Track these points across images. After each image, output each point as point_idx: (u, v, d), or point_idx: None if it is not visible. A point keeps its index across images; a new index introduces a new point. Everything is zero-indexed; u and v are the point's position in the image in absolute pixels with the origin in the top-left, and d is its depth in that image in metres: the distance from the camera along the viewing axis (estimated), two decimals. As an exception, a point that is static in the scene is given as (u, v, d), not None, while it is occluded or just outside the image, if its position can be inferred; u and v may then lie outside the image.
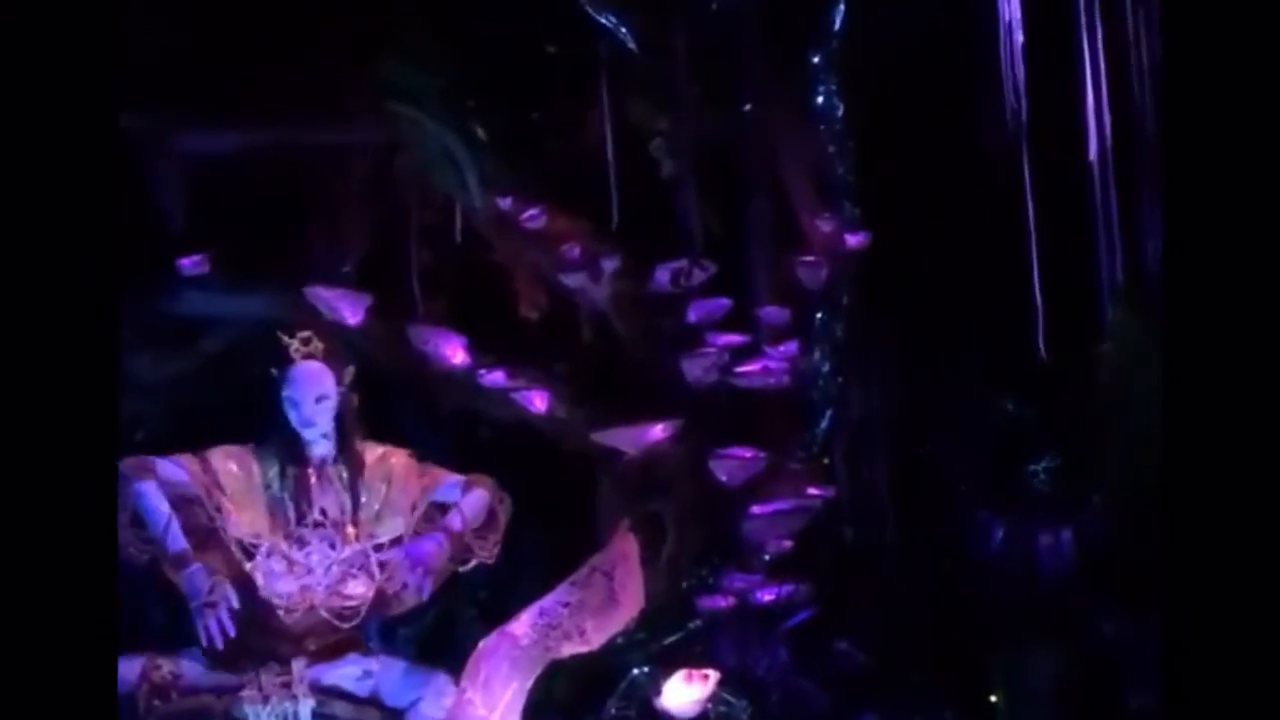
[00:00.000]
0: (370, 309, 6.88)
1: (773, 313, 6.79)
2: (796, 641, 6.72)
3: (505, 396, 6.83)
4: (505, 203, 6.85)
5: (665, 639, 6.30)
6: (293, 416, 5.69)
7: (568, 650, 6.06)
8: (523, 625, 6.06)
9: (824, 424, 6.79)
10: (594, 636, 6.10)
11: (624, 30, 6.75)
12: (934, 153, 7.03)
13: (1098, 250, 6.49)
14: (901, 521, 7.35)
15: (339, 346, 5.96)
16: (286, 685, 5.62)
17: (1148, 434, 6.73)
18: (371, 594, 5.69)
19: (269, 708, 5.60)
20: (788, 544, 6.60)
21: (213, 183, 6.95)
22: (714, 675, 6.12)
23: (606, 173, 6.74)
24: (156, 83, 6.51)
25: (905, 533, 7.34)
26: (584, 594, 6.13)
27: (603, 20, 6.75)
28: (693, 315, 6.75)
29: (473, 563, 5.81)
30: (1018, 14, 6.34)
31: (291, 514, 5.70)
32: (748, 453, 6.60)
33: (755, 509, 6.56)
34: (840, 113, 6.81)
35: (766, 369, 6.71)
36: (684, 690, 6.13)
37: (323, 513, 5.70)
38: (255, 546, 5.64)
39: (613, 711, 6.13)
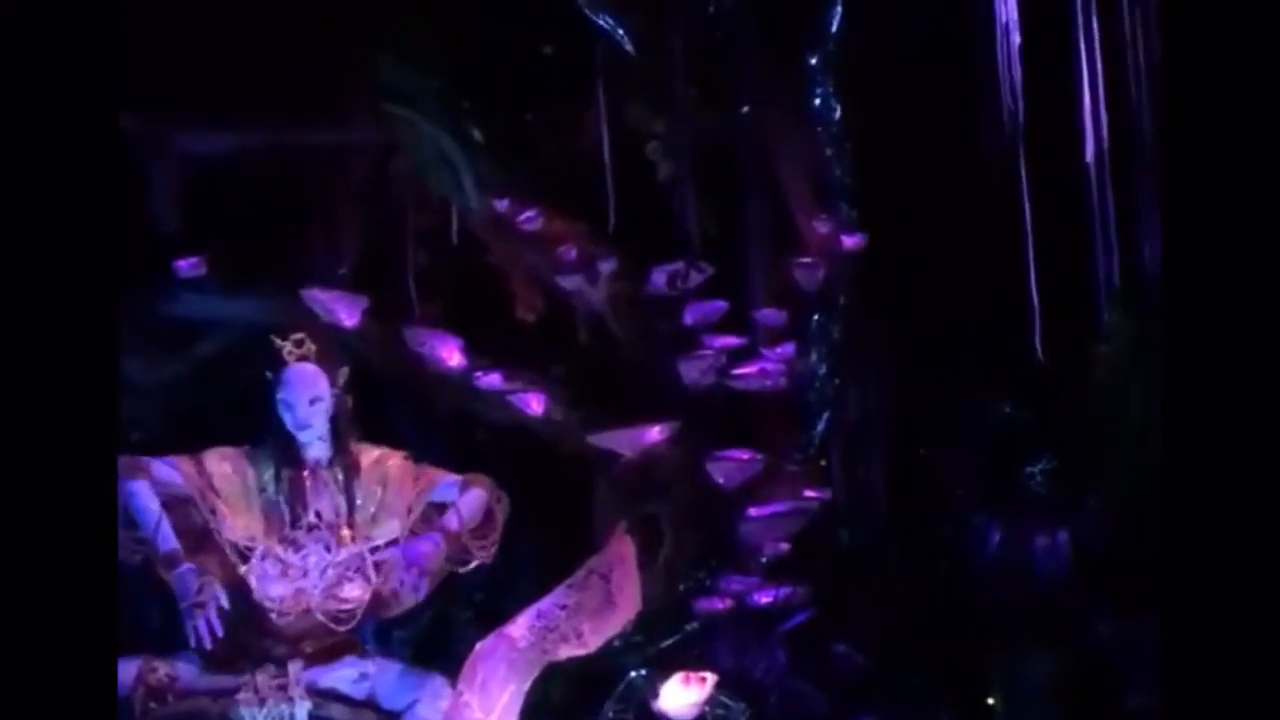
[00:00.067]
0: (367, 311, 6.87)
1: (769, 314, 6.79)
2: (794, 644, 6.72)
3: (502, 398, 6.82)
4: (502, 204, 6.84)
5: (663, 641, 6.30)
6: (287, 419, 5.68)
7: (565, 653, 6.06)
8: (520, 628, 6.06)
9: (821, 426, 6.79)
10: (591, 639, 6.10)
11: (621, 32, 6.74)
12: (931, 154, 7.03)
13: (1095, 252, 6.49)
14: (898, 523, 7.35)
15: (333, 348, 5.95)
16: (283, 688, 5.62)
17: (1144, 435, 6.77)
18: (367, 597, 5.69)
19: (265, 710, 5.60)
20: (785, 546, 6.60)
21: (209, 184, 6.94)
22: (712, 678, 6.11)
23: (603, 174, 6.74)
24: (153, 84, 6.50)
25: (902, 535, 7.34)
26: (581, 596, 6.13)
27: (600, 22, 6.75)
28: (689, 317, 6.75)
29: (473, 564, 5.81)
30: (1015, 15, 6.34)
31: (286, 517, 5.69)
32: (745, 455, 6.60)
33: (752, 511, 6.56)
34: (837, 114, 6.80)
35: (763, 371, 6.70)
36: (682, 693, 6.12)
37: (318, 515, 5.70)
38: (250, 550, 5.63)
39: (610, 714, 6.12)
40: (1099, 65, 6.35)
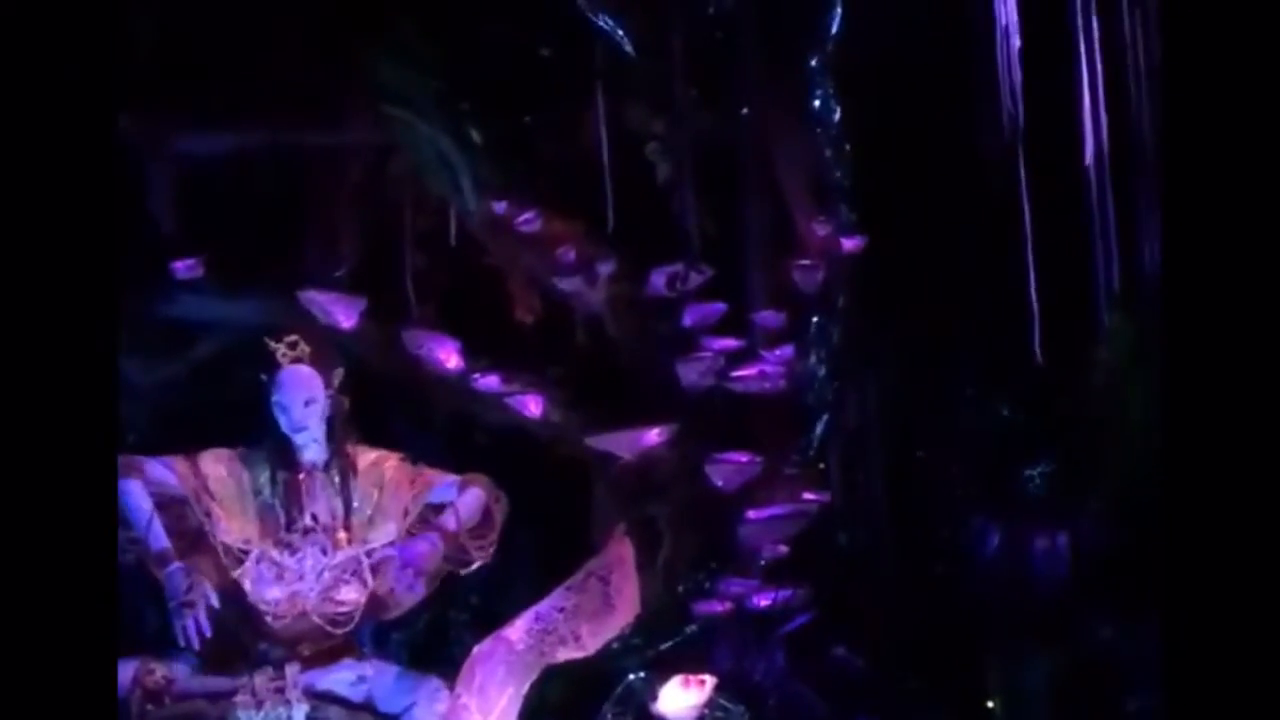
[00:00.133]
0: (364, 313, 6.86)
1: (768, 317, 6.78)
2: (793, 646, 6.71)
3: (500, 400, 6.81)
4: (500, 206, 6.82)
5: (661, 644, 6.27)
6: (283, 421, 5.69)
7: (563, 655, 6.07)
8: (518, 630, 6.07)
9: (820, 428, 6.77)
10: (590, 642, 6.11)
11: (620, 33, 6.73)
12: (931, 157, 7.03)
13: (1094, 255, 6.48)
14: (898, 526, 7.35)
15: (327, 349, 5.95)
16: (280, 690, 5.63)
17: (1143, 438, 6.77)
18: (364, 600, 5.70)
19: (263, 713, 5.61)
20: (784, 548, 6.58)
21: (206, 186, 6.94)
22: (710, 680, 6.10)
23: (602, 176, 6.72)
24: (150, 86, 6.50)
25: (901, 537, 7.34)
26: (580, 599, 6.14)
27: (599, 23, 6.74)
28: (688, 319, 6.73)
29: (475, 565, 5.80)
30: (1014, 18, 6.33)
31: (282, 520, 5.70)
32: (743, 457, 6.58)
33: (751, 514, 6.54)
34: (837, 116, 6.78)
35: (762, 373, 6.69)
36: (681, 695, 6.11)
37: (314, 518, 5.70)
38: (245, 552, 5.63)
39: (609, 717, 6.11)
40: (1099, 68, 6.35)
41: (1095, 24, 6.32)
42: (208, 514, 5.65)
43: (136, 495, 5.56)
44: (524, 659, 6.01)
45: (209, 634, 5.45)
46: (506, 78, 6.89)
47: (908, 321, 7.20)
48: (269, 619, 5.63)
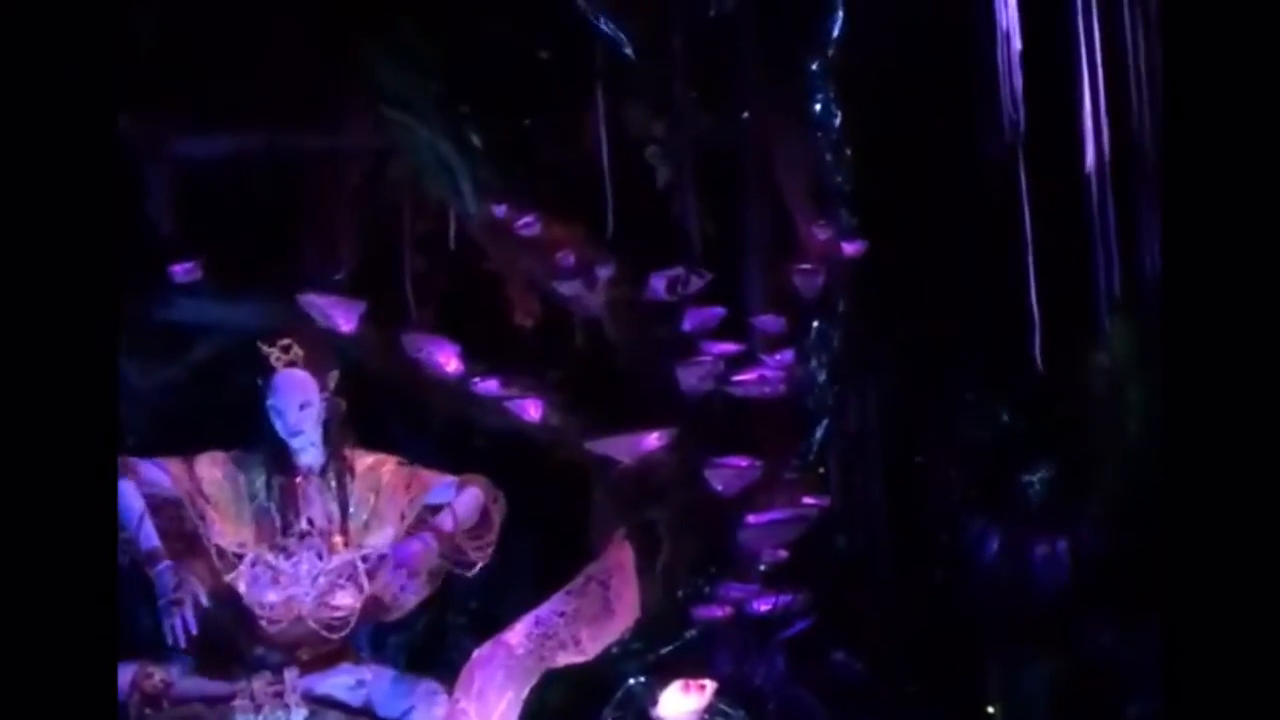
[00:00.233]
0: (364, 316, 6.86)
1: (768, 321, 6.78)
2: (793, 651, 6.71)
3: (499, 404, 6.81)
4: (499, 210, 6.82)
5: (661, 649, 6.28)
6: (278, 426, 5.67)
7: (563, 660, 6.06)
8: (518, 635, 6.05)
9: (820, 433, 6.77)
10: (589, 646, 6.09)
11: (620, 36, 6.73)
12: (931, 161, 7.03)
13: (1095, 261, 6.47)
14: (897, 531, 7.35)
15: (322, 352, 5.93)
16: (279, 695, 5.61)
17: (1144, 444, 6.77)
18: (359, 605, 5.68)
19: (261, 717, 5.59)
20: (783, 553, 6.58)
21: (205, 188, 6.92)
22: (711, 685, 6.09)
23: (602, 180, 6.71)
24: (150, 88, 6.49)
25: (901, 542, 7.34)
26: (579, 603, 6.12)
27: (599, 26, 6.73)
28: (688, 323, 6.73)
29: (477, 566, 5.80)
30: (1015, 22, 6.33)
31: (278, 524, 5.68)
32: (743, 462, 6.58)
33: (751, 518, 6.55)
34: (838, 120, 6.79)
35: (762, 378, 6.69)
36: (681, 700, 6.10)
37: (310, 522, 5.69)
38: (239, 556, 5.63)
39: (609, 721, 6.12)
40: (1099, 73, 6.34)
41: (1096, 29, 6.32)
42: (202, 517, 5.64)
43: (128, 495, 5.54)
44: (523, 663, 5.99)
45: (195, 631, 5.44)
46: (506, 81, 6.89)
47: (908, 326, 7.21)
48: (264, 623, 5.62)
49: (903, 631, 7.11)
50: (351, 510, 5.74)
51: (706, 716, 6.09)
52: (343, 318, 6.82)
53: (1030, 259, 6.50)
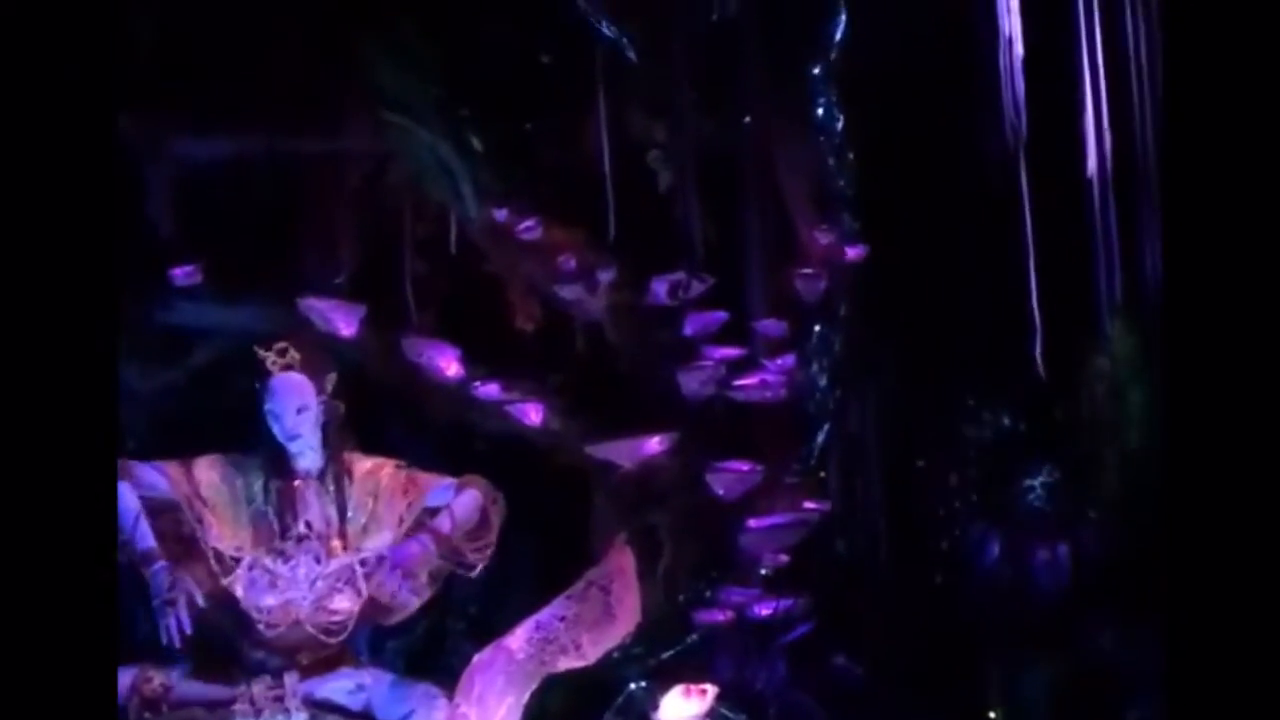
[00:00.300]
0: (364, 320, 6.84)
1: (770, 325, 6.77)
2: (794, 655, 6.71)
3: (500, 409, 6.80)
4: (500, 214, 6.81)
5: (662, 653, 6.27)
6: (276, 429, 5.68)
7: (564, 664, 6.06)
8: (518, 639, 6.05)
9: (821, 437, 6.76)
10: (590, 651, 6.10)
11: (623, 40, 6.72)
12: (933, 166, 7.04)
13: (1096, 265, 6.47)
14: (898, 535, 7.35)
15: (319, 355, 5.93)
16: (279, 699, 5.61)
17: (1144, 448, 6.77)
18: (357, 609, 5.69)
19: (261, 721, 5.60)
20: (784, 558, 6.58)
21: (205, 192, 6.91)
22: (712, 690, 6.09)
23: (603, 183, 6.70)
24: (150, 91, 6.48)
25: (902, 546, 7.34)
26: (580, 608, 6.13)
27: (601, 29, 6.72)
28: (689, 328, 6.72)
29: (478, 568, 5.80)
30: (1018, 28, 6.32)
31: (275, 527, 5.69)
32: (744, 466, 6.57)
33: (752, 522, 6.54)
34: (840, 125, 6.79)
35: (763, 382, 6.68)
36: (682, 705, 6.10)
37: (308, 526, 5.69)
38: (237, 560, 5.62)
39: (609, 726, 6.12)
40: (1101, 78, 6.34)
41: (1098, 34, 6.31)
42: (199, 520, 5.65)
43: (124, 496, 5.55)
44: (524, 668, 5.99)
45: (190, 631, 5.45)
46: (507, 84, 6.88)
47: (909, 331, 7.21)
48: (262, 627, 5.62)
49: (904, 635, 7.11)
50: (350, 514, 5.74)
51: (707, 721, 6.11)
52: (343, 322, 6.81)
53: (1031, 263, 6.48)
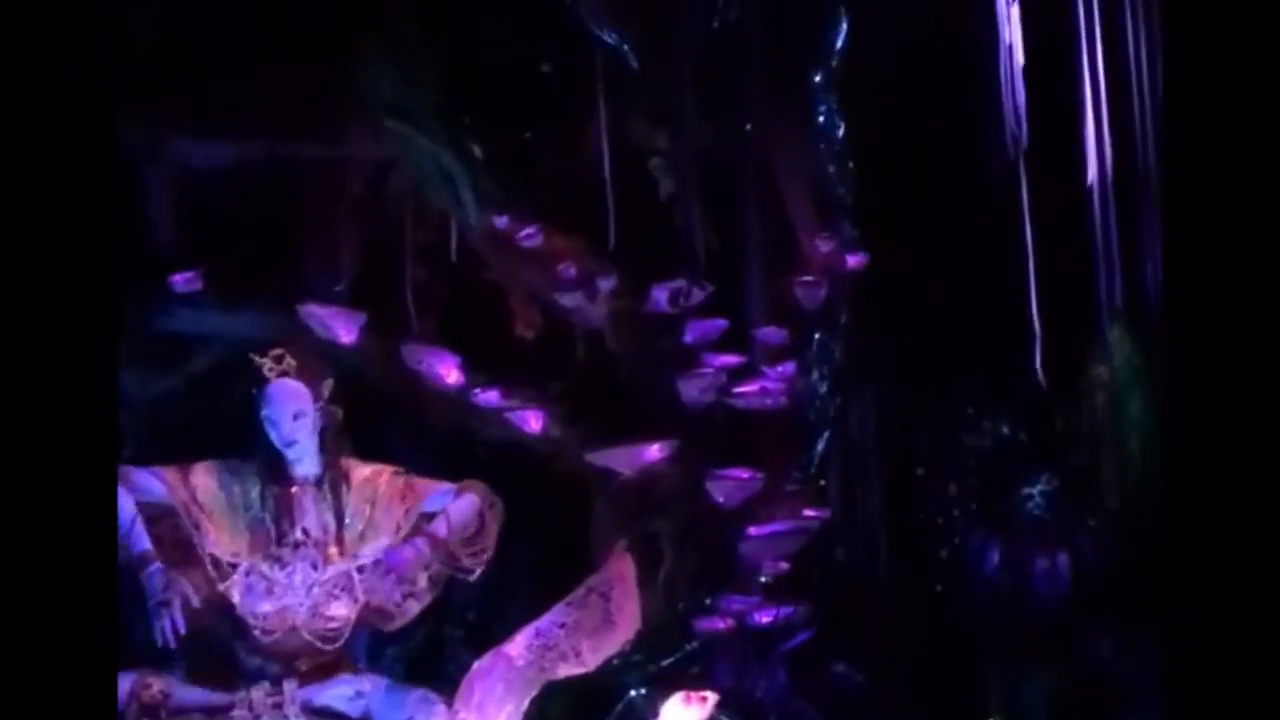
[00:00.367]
0: (364, 327, 6.84)
1: (770, 333, 6.76)
2: (794, 663, 6.70)
3: (499, 416, 6.78)
4: (501, 221, 6.80)
5: (662, 661, 6.26)
6: (273, 436, 5.69)
7: (563, 671, 6.06)
8: (518, 646, 6.06)
9: (821, 445, 6.75)
10: (590, 658, 6.10)
11: (624, 48, 6.72)
12: (933, 173, 7.04)
13: (1096, 273, 6.47)
14: (898, 543, 7.35)
15: (315, 361, 5.94)
16: (278, 706, 5.62)
17: (1145, 457, 6.77)
18: (354, 616, 5.69)
19: (260, 727, 5.60)
20: (784, 565, 6.57)
21: (206, 199, 6.91)
22: (712, 697, 6.08)
23: (604, 191, 6.70)
24: (150, 98, 6.48)
25: (902, 554, 7.33)
26: (580, 615, 6.13)
27: (601, 37, 6.72)
28: (689, 335, 6.71)
29: (476, 573, 5.80)
30: (1018, 36, 6.32)
31: (272, 534, 5.69)
32: (745, 473, 6.56)
33: (752, 530, 6.52)
34: (840, 132, 6.78)
35: (764, 389, 6.67)
36: (682, 712, 6.09)
37: (305, 533, 5.70)
38: (234, 566, 5.63)
39: (610, 733, 6.12)
40: (1102, 87, 6.34)
41: (1099, 42, 6.31)
42: (196, 526, 5.66)
43: (120, 500, 5.55)
44: (524, 675, 5.99)
45: (183, 630, 5.45)
46: (508, 91, 6.88)
47: (910, 339, 7.21)
48: (258, 633, 5.63)
49: (904, 643, 7.11)
50: (347, 521, 5.75)
51: (708, 729, 6.10)
52: (343, 328, 6.80)
53: (1032, 271, 6.48)
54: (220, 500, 5.73)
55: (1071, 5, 6.29)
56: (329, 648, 5.68)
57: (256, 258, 6.87)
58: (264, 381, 5.74)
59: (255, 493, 5.74)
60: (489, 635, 6.39)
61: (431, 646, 6.99)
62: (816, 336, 6.78)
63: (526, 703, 5.97)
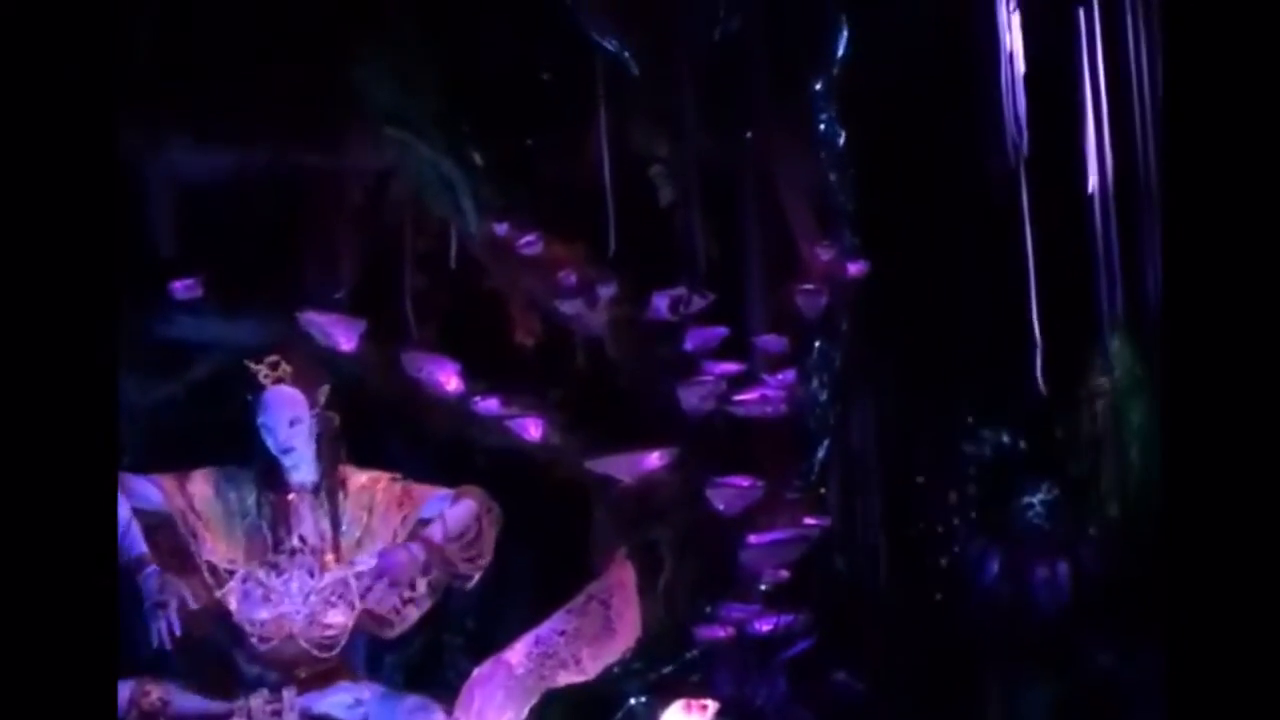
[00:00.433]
0: (364, 335, 6.84)
1: (770, 341, 6.76)
2: (794, 671, 6.70)
3: (500, 423, 6.79)
4: (501, 228, 6.80)
5: (663, 668, 6.27)
6: (269, 443, 5.69)
7: (563, 679, 6.06)
8: (518, 654, 6.05)
9: (821, 453, 6.76)
10: (590, 665, 6.10)
11: (625, 56, 6.73)
12: (934, 182, 7.04)
13: (1096, 282, 6.47)
14: (898, 551, 7.34)
15: (312, 367, 5.94)
16: (277, 713, 5.61)
17: (1145, 466, 6.77)
18: (351, 623, 5.68)
19: (259, 734, 5.59)
20: (785, 573, 6.57)
21: (206, 206, 6.90)
22: (712, 705, 6.09)
23: (604, 199, 6.70)
24: (150, 105, 6.48)
25: (902, 562, 7.33)
26: (580, 622, 6.13)
27: (602, 44, 6.73)
28: (690, 343, 6.72)
29: (474, 579, 5.79)
30: (1019, 44, 6.33)
31: (269, 541, 5.69)
32: (745, 481, 6.56)
33: (752, 538, 6.53)
34: (841, 140, 6.79)
35: (764, 397, 6.67)
36: (682, 720, 6.11)
37: (301, 540, 5.70)
38: (230, 573, 5.63)
39: (610, 741, 6.12)
40: (1102, 95, 6.35)
41: (1099, 50, 6.32)
42: (193, 534, 5.65)
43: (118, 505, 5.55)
44: (524, 682, 5.99)
45: (179, 633, 5.45)
46: (508, 98, 6.88)
47: (910, 347, 7.20)
48: (255, 641, 5.62)
49: (904, 652, 7.10)
50: (344, 528, 5.74)
51: (708, 736, 6.10)
52: (343, 336, 6.80)
53: (1032, 280, 6.50)
54: (217, 508, 5.72)
55: (1072, 14, 6.31)
56: (326, 655, 5.67)
57: (257, 265, 6.87)
58: (260, 388, 5.73)
59: (252, 500, 5.73)
60: (489, 643, 6.38)
61: (431, 654, 6.99)
62: (817, 344, 6.78)
63: (526, 710, 5.97)
